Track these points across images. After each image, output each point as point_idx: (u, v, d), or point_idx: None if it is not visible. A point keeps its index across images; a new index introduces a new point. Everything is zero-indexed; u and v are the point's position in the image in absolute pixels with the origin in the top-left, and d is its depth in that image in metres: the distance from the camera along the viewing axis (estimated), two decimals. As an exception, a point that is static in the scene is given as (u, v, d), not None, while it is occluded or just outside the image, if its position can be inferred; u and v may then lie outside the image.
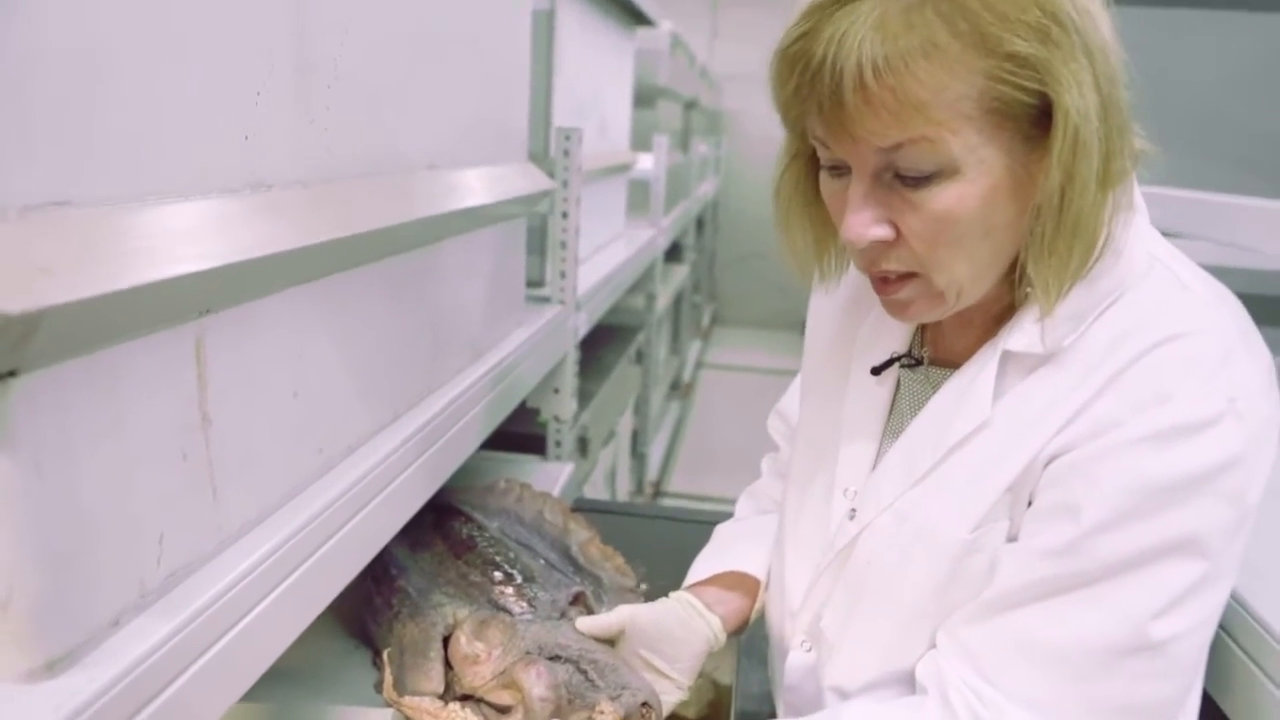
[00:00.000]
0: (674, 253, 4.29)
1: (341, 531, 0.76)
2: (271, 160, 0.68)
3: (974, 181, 0.62)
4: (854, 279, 0.85)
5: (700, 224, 5.34)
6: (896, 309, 0.72)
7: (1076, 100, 0.60)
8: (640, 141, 2.91)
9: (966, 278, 0.68)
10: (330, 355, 0.79)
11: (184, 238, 0.56)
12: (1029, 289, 0.67)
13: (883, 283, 0.71)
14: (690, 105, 4.52)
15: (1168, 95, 1.63)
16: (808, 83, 0.62)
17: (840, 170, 0.68)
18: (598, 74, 2.16)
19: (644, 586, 1.11)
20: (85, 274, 0.46)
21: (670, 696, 0.87)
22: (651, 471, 3.52)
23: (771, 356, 5.53)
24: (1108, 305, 0.67)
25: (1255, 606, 0.68)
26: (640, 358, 3.04)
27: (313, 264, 0.73)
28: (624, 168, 2.49)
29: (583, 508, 1.56)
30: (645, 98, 3.20)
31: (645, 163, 2.97)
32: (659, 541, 1.26)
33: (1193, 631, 0.64)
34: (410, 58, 0.91)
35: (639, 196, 2.98)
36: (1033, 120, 0.62)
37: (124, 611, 0.55)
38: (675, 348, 4.51)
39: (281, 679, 0.86)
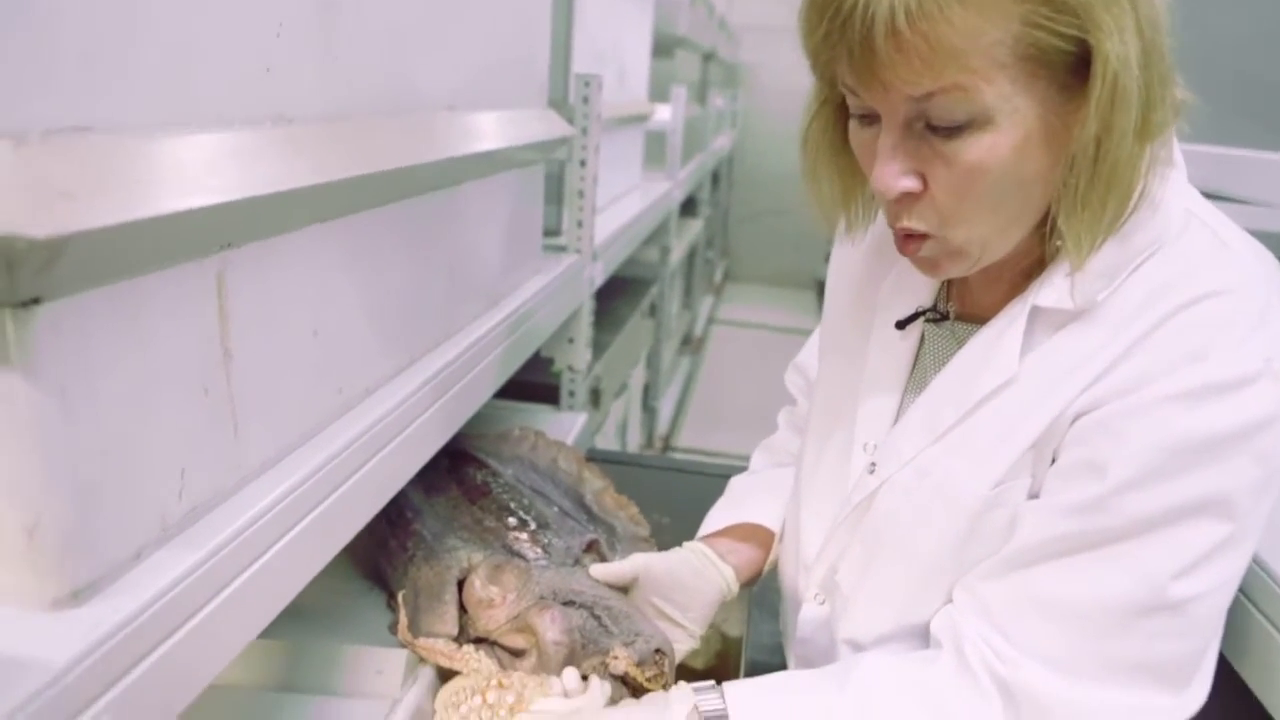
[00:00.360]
0: (688, 207, 4.25)
1: (359, 473, 0.76)
2: (292, 93, 0.67)
3: (1007, 132, 0.61)
4: (878, 232, 0.83)
5: (715, 178, 5.29)
6: (925, 266, 0.71)
7: (1117, 47, 0.58)
8: (658, 92, 2.87)
9: (991, 232, 0.66)
10: (349, 295, 0.78)
11: (206, 168, 0.55)
12: (1059, 243, 0.66)
13: (905, 240, 0.69)
14: (708, 57, 4.46)
15: (1209, 49, 1.59)
16: (838, 29, 0.60)
17: (870, 119, 0.66)
18: (617, 21, 2.12)
19: (665, 520, 1.11)
20: (108, 201, 0.45)
21: (683, 645, 0.88)
22: (662, 425, 3.53)
23: (783, 314, 5.50)
24: (1142, 261, 0.66)
25: (1277, 569, 0.68)
26: (653, 311, 3.03)
27: (333, 201, 0.72)
28: (642, 118, 2.46)
29: (594, 458, 1.56)
30: (664, 47, 3.15)
31: (663, 114, 2.93)
32: (669, 493, 1.26)
33: (1213, 593, 0.64)
34: (432, -5, 0.89)
35: (655, 148, 2.95)
36: (1070, 68, 0.60)
37: (146, 544, 0.55)
38: (687, 302, 4.50)
39: (298, 618, 0.87)
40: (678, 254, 3.34)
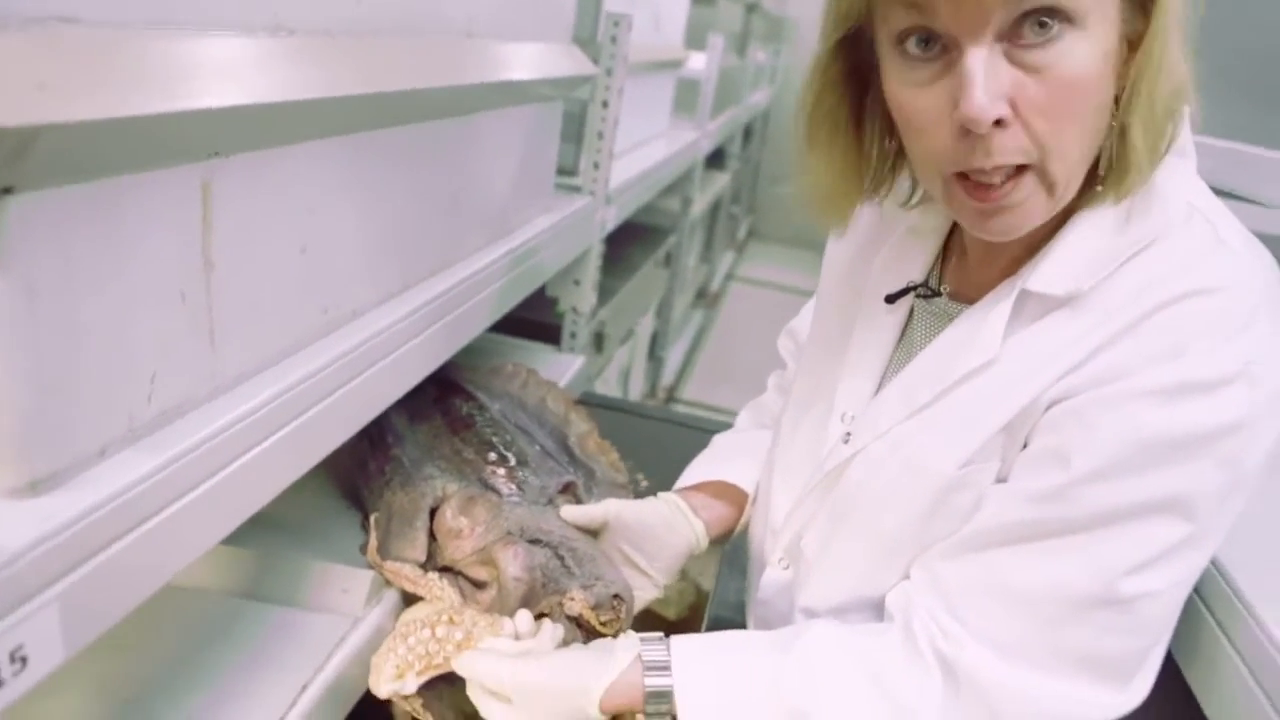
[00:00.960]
0: (717, 159, 4.20)
1: (338, 393, 0.76)
2: (295, 3, 0.66)
3: (1098, 39, 0.59)
4: (873, 212, 0.82)
5: (748, 133, 5.21)
6: (1000, 221, 0.65)
7: (1160, 21, 0.59)
8: (695, 40, 2.82)
9: (1077, 163, 0.63)
10: (345, 216, 0.78)
11: (197, 71, 0.54)
12: (1127, 155, 0.63)
13: (985, 190, 0.63)
14: (752, 8, 4.36)
15: (1232, 43, 1.54)
16: None
17: (930, 59, 0.61)
18: (658, -40, 2.08)
19: (644, 483, 1.12)
20: (88, 96, 0.45)
21: (645, 594, 0.89)
22: (667, 376, 3.53)
23: (804, 277, 5.45)
24: (1137, 252, 0.65)
25: (1233, 575, 0.68)
26: (669, 261, 3.01)
27: (333, 118, 0.71)
28: (674, 64, 2.42)
29: (592, 402, 1.56)
30: (705, -7, 3.09)
31: (697, 62, 2.88)
32: (663, 444, 1.26)
33: (1165, 592, 0.64)
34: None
35: (687, 97, 2.90)
36: None
37: (111, 443, 0.56)
38: (706, 256, 4.47)
39: (271, 529, 0.88)
40: (700, 206, 3.31)
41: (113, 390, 0.55)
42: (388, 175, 0.84)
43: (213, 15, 0.57)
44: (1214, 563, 0.69)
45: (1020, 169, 0.62)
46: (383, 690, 0.76)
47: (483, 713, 0.75)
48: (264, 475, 0.67)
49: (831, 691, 0.70)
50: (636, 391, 2.86)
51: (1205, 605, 0.70)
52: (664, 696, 0.72)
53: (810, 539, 0.80)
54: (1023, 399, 0.67)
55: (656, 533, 0.90)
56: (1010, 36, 0.59)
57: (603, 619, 0.80)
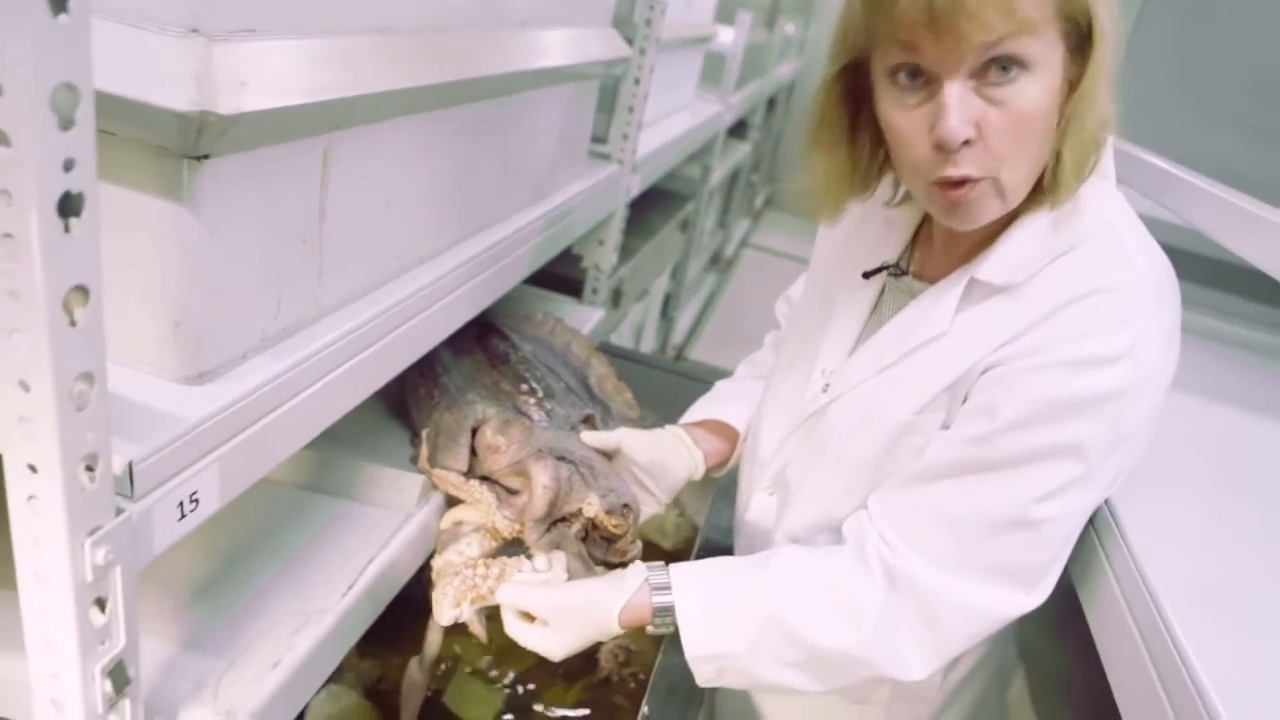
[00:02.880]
0: (739, 129, 4.32)
1: (408, 324, 0.93)
2: (395, 8, 0.81)
3: (1045, 80, 0.73)
4: (852, 218, 0.98)
5: (772, 104, 5.31)
6: (965, 211, 0.79)
7: (1112, 26, 0.73)
8: (725, 13, 2.93)
9: (1024, 176, 0.78)
10: (418, 178, 0.94)
11: (329, 66, 0.70)
12: (1056, 178, 0.78)
13: (952, 188, 0.77)
14: (784, -19, 4.45)
15: (1234, 72, 1.68)
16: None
17: (916, 88, 0.76)
18: (693, -57, 2.20)
19: (651, 422, 1.28)
20: (267, 89, 0.61)
21: (649, 508, 1.06)
22: (677, 336, 3.68)
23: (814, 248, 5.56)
24: (1059, 255, 0.80)
25: (1120, 512, 0.85)
26: (685, 226, 3.15)
27: (417, 100, 0.87)
28: (703, 40, 2.55)
29: (607, 350, 1.72)
30: (738, -31, 3.19)
31: (725, 36, 2.99)
32: (670, 392, 1.43)
33: (1064, 518, 0.80)
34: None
35: (714, 68, 3.02)
36: (1078, 39, 0.74)
37: (250, 349, 0.73)
38: (723, 221, 4.60)
39: (339, 439, 1.05)
40: (719, 174, 3.44)
41: (253, 309, 0.72)
42: (451, 145, 1.00)
43: (343, 21, 0.73)
44: (1107, 503, 0.86)
45: (980, 177, 0.78)
46: (446, 617, 0.93)
47: (517, 637, 0.92)
48: (354, 383, 0.84)
49: (795, 597, 0.87)
50: (647, 348, 3.01)
51: (1096, 535, 0.86)
52: (667, 610, 0.90)
53: (793, 470, 0.97)
54: (965, 364, 0.83)
55: (661, 458, 1.07)
56: (979, 75, 0.74)
57: (614, 523, 0.98)
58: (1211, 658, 0.68)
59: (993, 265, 0.82)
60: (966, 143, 0.75)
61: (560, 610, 0.91)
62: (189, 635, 0.80)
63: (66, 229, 0.46)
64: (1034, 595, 0.83)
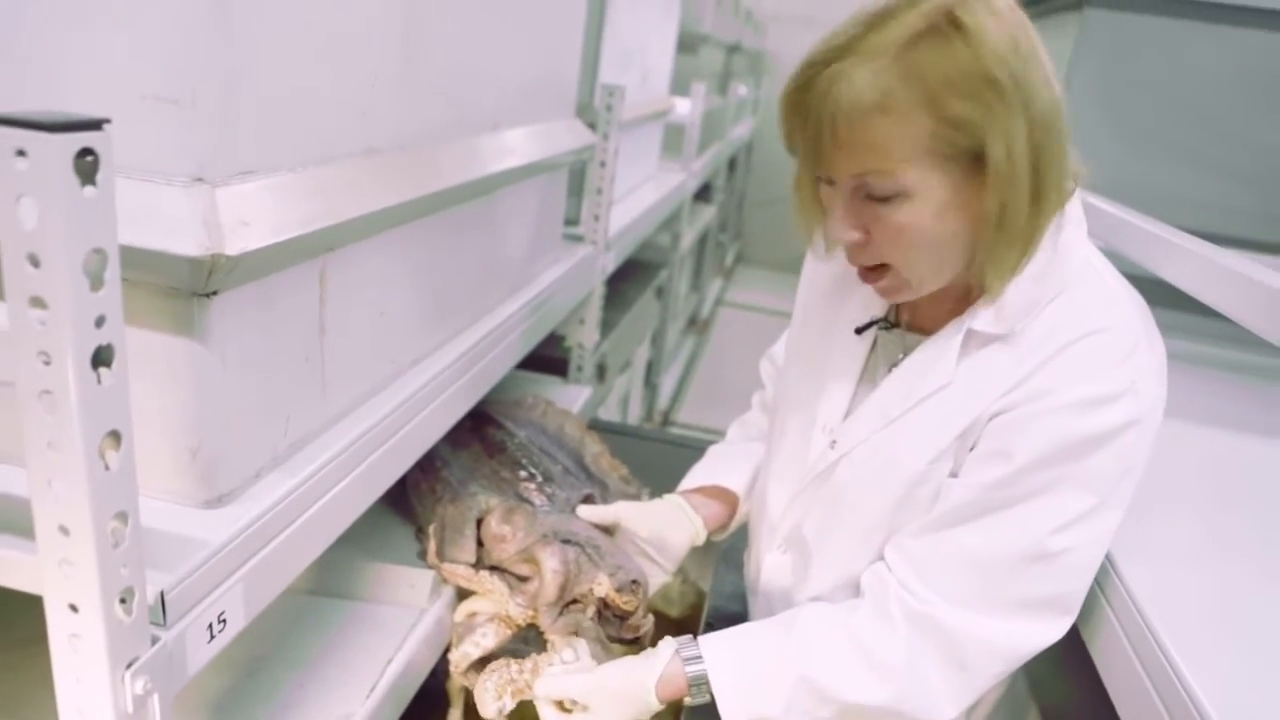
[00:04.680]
0: (703, 192, 4.42)
1: (408, 426, 0.96)
2: (380, 130, 0.86)
3: (925, 203, 0.79)
4: (833, 279, 1.03)
5: (733, 164, 5.44)
6: (881, 293, 0.89)
7: (1008, 151, 0.76)
8: (680, 86, 3.03)
9: (927, 272, 0.85)
10: (406, 284, 0.98)
11: (322, 195, 0.74)
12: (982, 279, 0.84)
13: (864, 273, 0.88)
14: (733, 49, 4.60)
15: (1166, 104, 1.77)
16: (800, 125, 0.80)
17: (830, 182, 0.84)
18: (644, 26, 2.29)
19: (648, 496, 1.31)
20: (267, 226, 0.65)
21: (656, 579, 1.09)
22: (662, 401, 3.72)
23: (790, 300, 5.63)
24: (1051, 299, 0.85)
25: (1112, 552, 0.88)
26: (661, 293, 3.21)
27: (402, 213, 0.91)
28: (661, 114, 2.63)
29: (597, 427, 1.75)
30: (688, 44, 3.30)
31: (682, 108, 3.09)
32: (662, 462, 1.46)
33: (1080, 548, 0.83)
34: (484, 33, 1.08)
35: (674, 138, 3.11)
36: (973, 159, 0.78)
37: (263, 468, 0.75)
38: (696, 284, 4.68)
39: (346, 541, 1.07)
40: (688, 239, 3.52)
41: (264, 428, 0.75)
42: (436, 248, 1.04)
43: (333, 149, 0.78)
44: (1113, 567, 0.89)
45: (883, 265, 0.85)
46: (490, 710, 0.98)
47: None
48: (364, 488, 0.87)
49: (823, 657, 0.90)
50: (634, 417, 3.05)
51: (1102, 595, 0.89)
52: (701, 679, 0.92)
53: (810, 526, 1.00)
54: (973, 412, 0.87)
55: (662, 528, 1.09)
56: (864, 190, 0.81)
57: (625, 600, 1.00)
58: (1209, 675, 0.71)
59: (988, 316, 0.86)
60: (859, 241, 0.83)
61: (598, 691, 0.93)
62: (219, 754, 0.81)
63: (99, 380, 0.49)
64: (1058, 626, 0.86)
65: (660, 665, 0.93)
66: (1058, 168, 0.81)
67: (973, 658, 0.86)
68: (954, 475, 0.89)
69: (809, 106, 0.78)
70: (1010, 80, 0.75)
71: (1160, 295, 0.99)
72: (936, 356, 0.90)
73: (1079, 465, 0.81)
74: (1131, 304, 0.86)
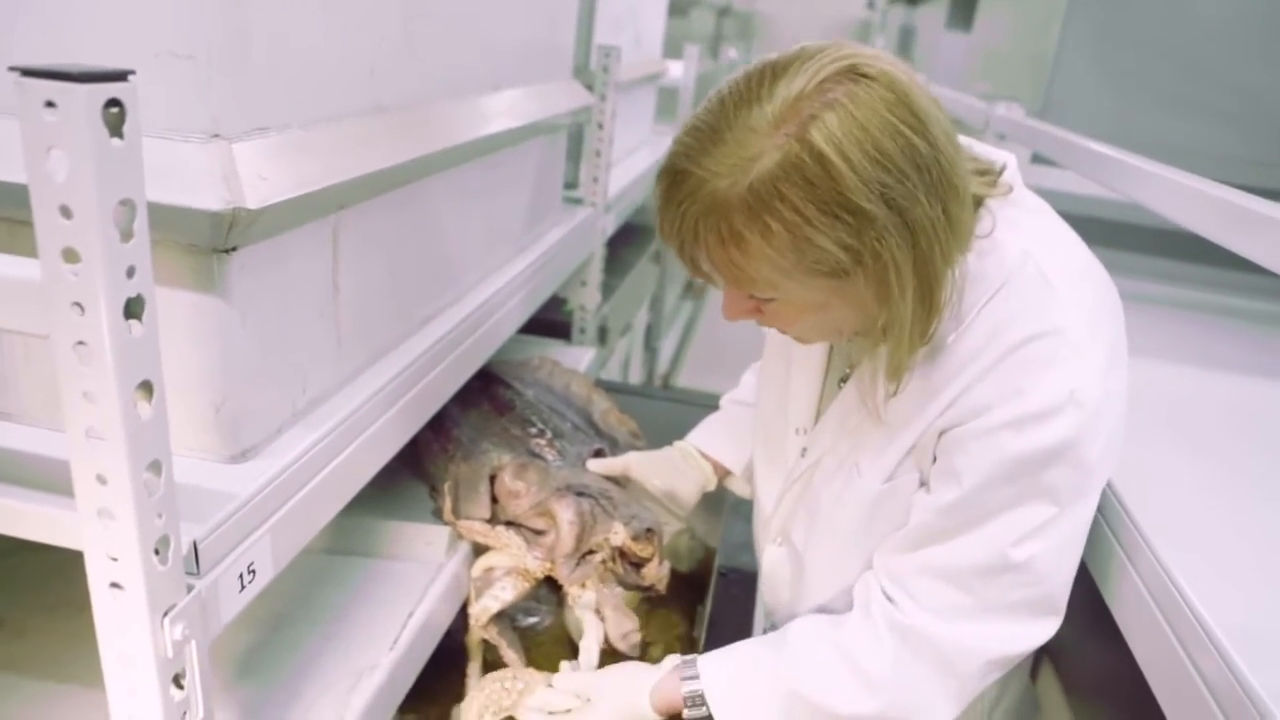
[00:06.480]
0: (697, 157, 4.38)
1: (421, 383, 0.97)
2: (387, 88, 0.86)
3: (803, 304, 0.79)
4: None
5: (725, 128, 5.40)
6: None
7: (880, 271, 0.73)
8: (672, 48, 3.01)
9: (830, 336, 0.87)
10: (415, 245, 0.99)
11: (335, 150, 0.75)
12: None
13: None
14: (724, 11, 4.57)
15: (1158, 51, 1.77)
16: (670, 230, 0.76)
17: None
18: (637, -13, 2.28)
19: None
20: (284, 181, 0.66)
21: (670, 526, 1.10)
22: (662, 365, 3.73)
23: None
24: (987, 300, 0.81)
25: (1137, 515, 0.88)
26: (658, 257, 3.21)
27: (411, 170, 0.92)
28: (655, 77, 2.62)
29: (601, 387, 1.77)
30: (679, 7, 3.28)
31: (675, 70, 3.08)
32: (667, 420, 1.47)
33: (1045, 554, 0.83)
34: (485, -7, 1.08)
35: (668, 102, 3.10)
36: (854, 266, 0.73)
37: (284, 423, 0.77)
38: (692, 249, 4.66)
39: (362, 500, 1.08)
40: (684, 203, 3.50)
41: (284, 385, 0.76)
42: (441, 209, 1.05)
43: (343, 105, 0.78)
44: (1123, 507, 0.90)
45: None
46: None
47: None
48: (382, 443, 0.88)
49: (814, 673, 0.91)
50: (635, 380, 3.06)
51: (1112, 533, 0.90)
52: (696, 694, 0.94)
53: (798, 533, 1.01)
54: (919, 428, 0.86)
55: (672, 476, 1.11)
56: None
57: (640, 548, 1.02)
58: (1224, 610, 0.72)
59: None
60: (753, 318, 0.84)
61: (596, 685, 0.96)
62: (251, 704, 0.83)
63: (131, 331, 0.50)
64: (1044, 625, 0.86)
65: (658, 674, 0.96)
66: (944, 257, 0.76)
67: (959, 663, 0.87)
68: (925, 483, 0.88)
69: (670, 241, 0.77)
70: (879, 202, 0.70)
71: (1145, 241, 0.99)
72: (883, 365, 0.86)
73: (1032, 480, 0.80)
74: (1076, 293, 0.81)
